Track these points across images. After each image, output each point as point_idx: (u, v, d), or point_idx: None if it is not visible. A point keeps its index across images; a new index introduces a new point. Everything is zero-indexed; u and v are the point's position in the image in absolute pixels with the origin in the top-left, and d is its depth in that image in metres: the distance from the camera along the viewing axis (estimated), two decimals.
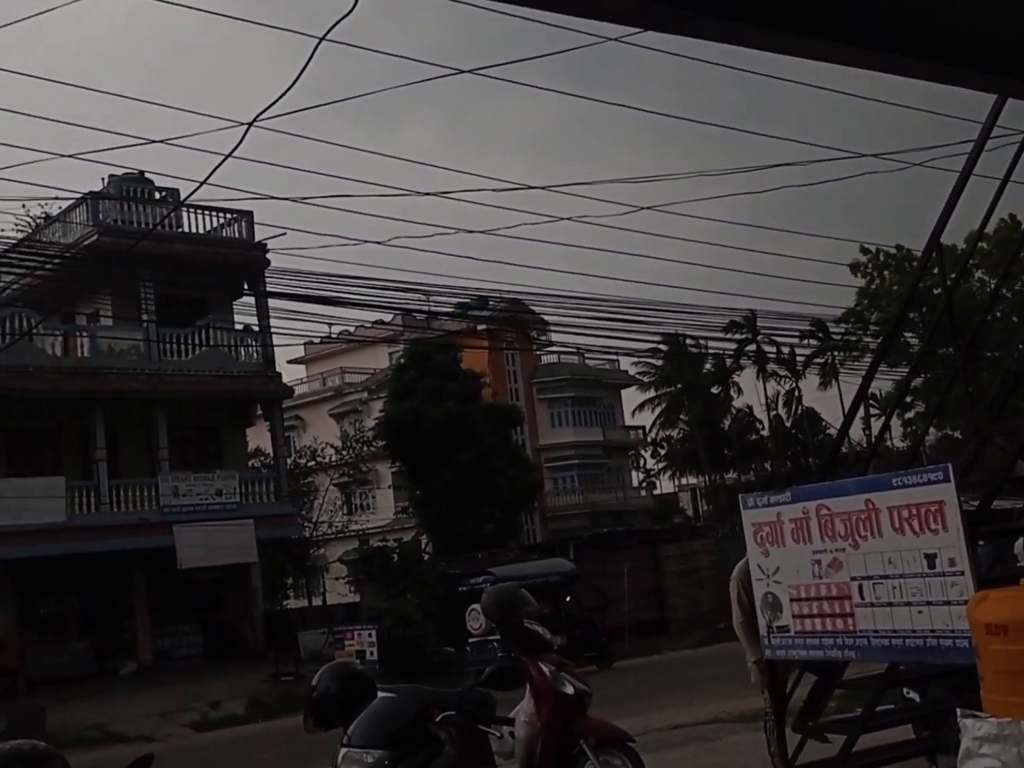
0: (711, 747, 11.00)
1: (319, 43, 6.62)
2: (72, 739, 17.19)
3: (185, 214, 29.16)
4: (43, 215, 34.46)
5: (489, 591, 8.42)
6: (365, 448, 38.71)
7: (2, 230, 32.24)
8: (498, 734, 6.52)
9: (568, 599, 24.32)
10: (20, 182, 34.93)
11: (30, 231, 33.19)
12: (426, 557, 32.11)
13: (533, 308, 30.67)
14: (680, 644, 26.26)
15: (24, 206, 35.55)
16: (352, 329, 41.02)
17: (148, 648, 27.64)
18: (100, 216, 28.34)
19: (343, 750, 5.81)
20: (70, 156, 13.13)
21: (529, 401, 49.76)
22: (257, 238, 29.84)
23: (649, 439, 61.51)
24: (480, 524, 33.00)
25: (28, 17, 12.64)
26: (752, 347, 50.57)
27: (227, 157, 11.27)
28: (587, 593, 25.81)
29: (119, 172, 27.65)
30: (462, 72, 10.01)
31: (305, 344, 50.34)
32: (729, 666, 18.61)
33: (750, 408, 59.14)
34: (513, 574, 24.17)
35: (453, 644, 23.94)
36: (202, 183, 12.47)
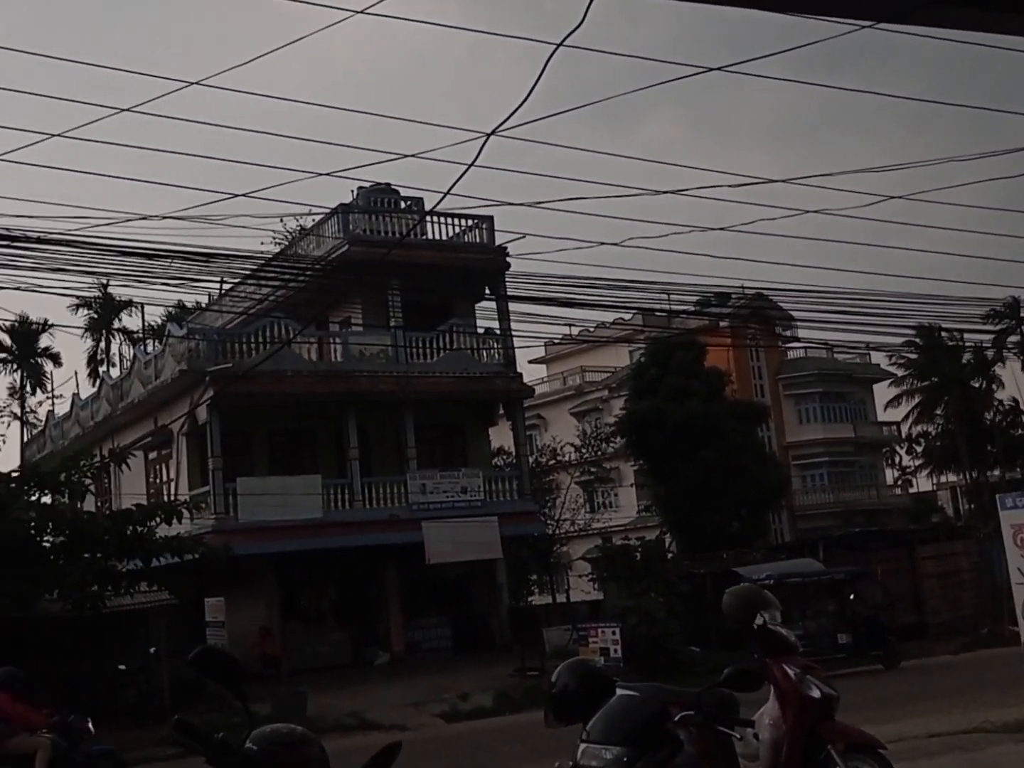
0: (971, 758, 10.39)
1: (555, 50, 6.66)
2: (331, 725, 18.00)
3: (429, 222, 30.09)
4: (298, 228, 36.37)
5: (731, 592, 8.24)
6: (606, 446, 38.78)
7: (262, 243, 34.10)
8: (739, 736, 6.37)
9: (852, 597, 23.64)
10: (277, 200, 36.74)
11: (286, 244, 35.07)
12: (670, 556, 31.87)
13: (778, 303, 29.94)
14: (939, 649, 25.00)
15: (281, 221, 37.51)
16: (592, 328, 41.23)
17: (400, 640, 28.70)
18: (350, 227, 29.60)
19: (582, 745, 5.83)
20: (324, 174, 13.77)
21: (775, 397, 48.63)
22: (497, 243, 30.50)
23: (904, 435, 58.87)
24: (725, 523, 32.49)
25: (283, 46, 13.34)
26: (1015, 337, 47.62)
27: (469, 167, 11.54)
28: (872, 591, 25.05)
29: (367, 185, 28.90)
30: (709, 70, 9.85)
31: (545, 344, 51.05)
32: (992, 673, 17.60)
33: (1015, 402, 55.64)
34: (797, 571, 23.84)
35: (699, 644, 23.66)
36: (446, 193, 12.83)
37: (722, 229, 18.97)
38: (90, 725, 13.83)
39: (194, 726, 4.30)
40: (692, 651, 23.31)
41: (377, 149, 20.29)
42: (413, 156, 16.64)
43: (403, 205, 31.02)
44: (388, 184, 29.20)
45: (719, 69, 9.82)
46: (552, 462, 38.54)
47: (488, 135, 11.36)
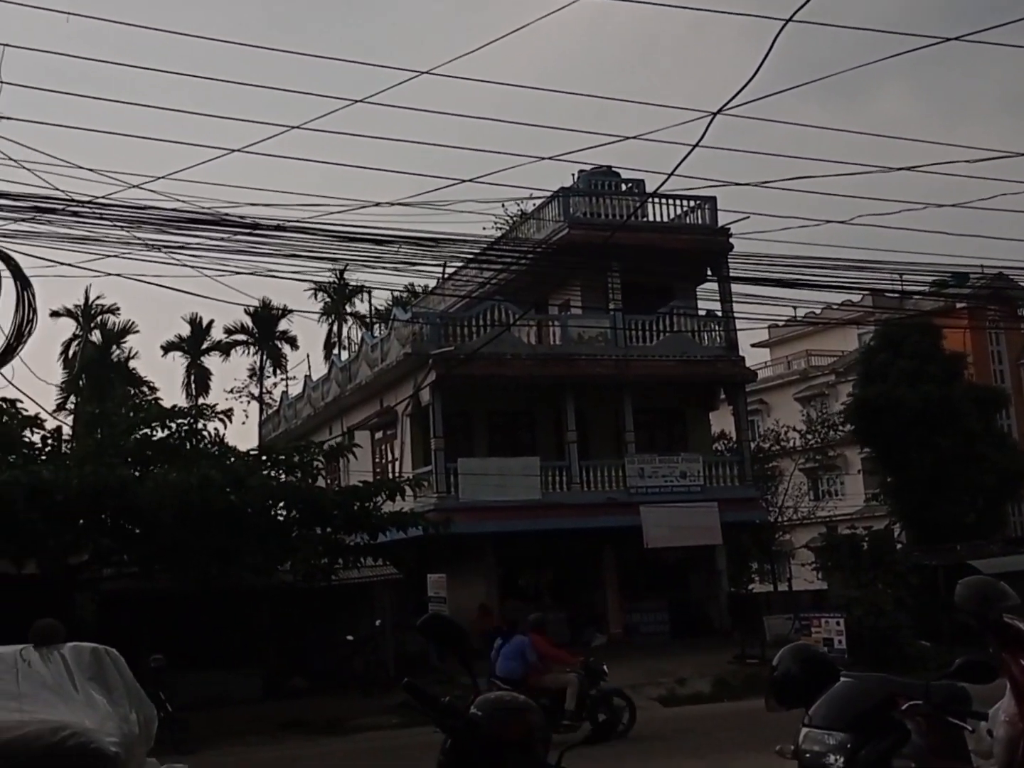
0: None
1: (784, 26, 6.48)
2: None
3: (650, 203, 29.90)
4: (519, 213, 36.86)
5: (964, 583, 7.80)
6: (832, 432, 37.65)
7: (484, 228, 34.79)
8: (971, 728, 6.06)
9: None
10: (500, 185, 37.28)
11: (508, 229, 35.60)
12: (898, 547, 30.67)
13: (1020, 283, 28.36)
14: None
15: (503, 206, 38.15)
16: (818, 311, 40.03)
17: (618, 622, 28.74)
18: (570, 211, 29.73)
19: (804, 730, 5.71)
20: (546, 158, 13.90)
21: (1016, 383, 46.07)
22: (720, 223, 30.03)
23: None
24: (960, 513, 30.95)
25: (507, 34, 13.52)
26: None
27: (694, 147, 11.40)
28: None
29: (588, 168, 28.97)
30: (945, 40, 9.39)
31: (769, 327, 49.85)
32: None
33: None
34: None
35: (930, 639, 22.70)
36: (671, 174, 12.71)
37: (959, 206, 18.08)
38: (604, 667, 15.45)
39: (422, 689, 4.42)
40: (922, 645, 22.38)
41: (599, 132, 20.42)
42: (635, 138, 16.55)
43: (624, 187, 30.94)
44: (609, 167, 29.15)
45: (957, 39, 9.34)
46: (775, 448, 37.73)
47: (714, 115, 11.18)
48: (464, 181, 13.96)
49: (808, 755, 5.66)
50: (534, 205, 31.90)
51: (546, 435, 30.06)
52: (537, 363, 28.28)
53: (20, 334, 12.06)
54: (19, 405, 20.01)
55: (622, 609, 29.12)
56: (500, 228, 37.11)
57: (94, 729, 5.15)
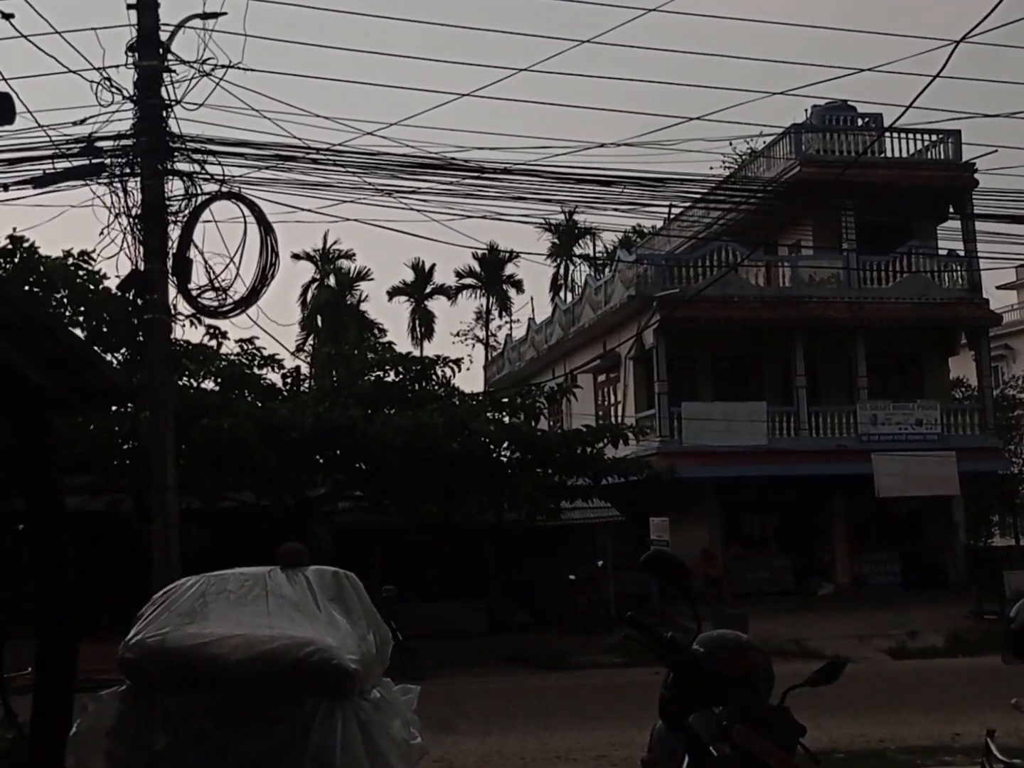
0: None
1: None
2: (771, 649, 17.95)
3: (887, 138, 28.59)
4: (748, 151, 35.91)
5: None
6: None
7: (711, 168, 34.07)
8: None
9: None
10: (729, 122, 36.42)
11: (736, 167, 34.76)
12: None
13: None
14: None
15: (731, 144, 37.22)
16: None
17: (846, 572, 28.05)
18: (802, 148, 28.76)
19: None
20: (777, 93, 13.49)
21: None
22: (964, 158, 28.44)
23: None
24: None
25: None
26: None
27: (934, 78, 10.78)
28: None
29: (822, 103, 27.91)
30: None
31: (1017, 267, 46.91)
32: None
33: None
34: None
35: None
36: (908, 107, 12.11)
37: None
38: None
39: (646, 624, 4.45)
40: None
41: (833, 65, 19.51)
42: (871, 70, 15.84)
43: (860, 122, 29.68)
44: (844, 101, 28.01)
45: None
46: (1022, 396, 35.70)
47: (956, 43, 10.55)
48: (692, 119, 13.73)
49: None
50: (764, 143, 31.03)
51: (773, 379, 29.44)
52: (765, 306, 27.66)
53: (264, 277, 12.67)
54: (258, 344, 21.06)
55: (850, 559, 28.38)
56: (728, 167, 36.26)
57: (336, 646, 5.45)
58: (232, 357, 21.06)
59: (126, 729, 5.60)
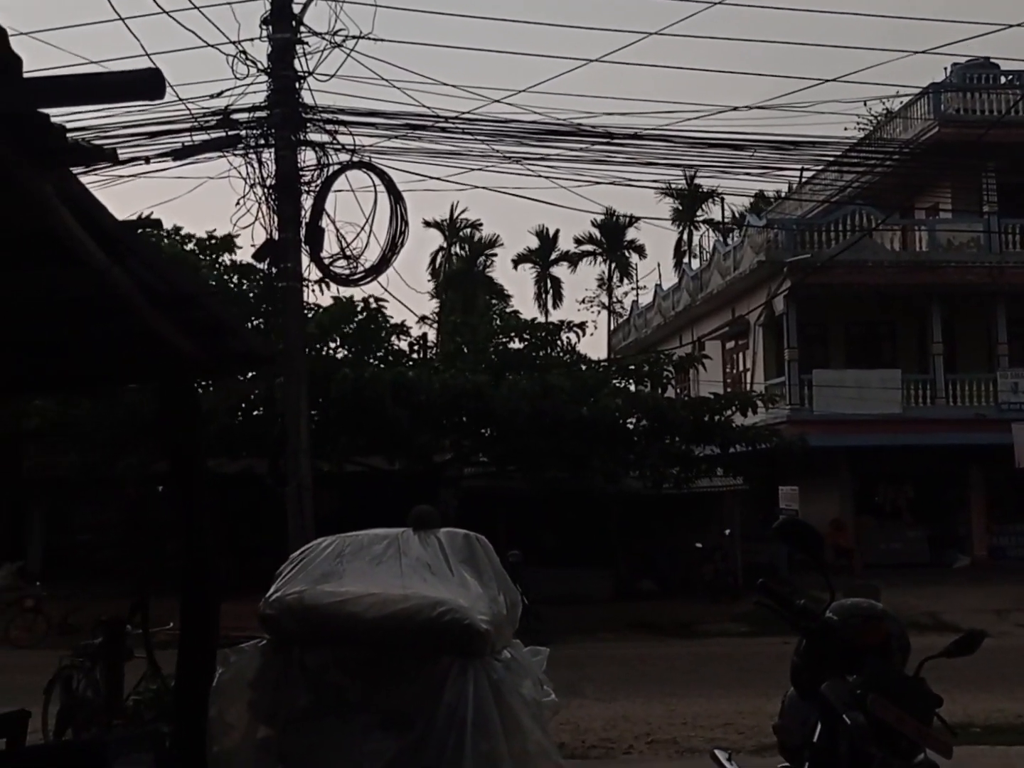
0: None
1: None
2: (905, 621, 17.66)
3: None
4: (884, 112, 34.89)
5: None
6: None
7: (845, 129, 33.21)
8: None
9: None
10: (865, 83, 35.47)
11: (871, 129, 33.80)
12: None
13: None
14: None
15: (866, 104, 36.18)
16: None
17: (983, 544, 27.29)
18: (942, 107, 27.80)
19: None
20: (917, 52, 13.05)
21: None
22: None
23: None
24: None
25: None
26: None
27: None
28: None
29: (963, 61, 26.94)
30: None
31: None
32: None
33: None
34: None
35: None
36: None
37: None
38: None
39: (777, 591, 4.45)
40: None
41: (976, 21, 18.79)
42: (1019, 25, 15.20)
43: (1002, 80, 28.53)
44: (987, 59, 27.04)
45: None
46: None
47: None
48: (827, 81, 13.41)
49: None
50: (901, 103, 30.09)
51: (908, 347, 28.74)
52: (901, 271, 26.93)
53: (394, 245, 12.86)
54: (384, 311, 21.30)
55: (988, 531, 27.58)
56: (863, 128, 35.28)
57: (467, 607, 5.55)
58: (360, 319, 21.27)
59: (267, 681, 5.81)
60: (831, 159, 21.68)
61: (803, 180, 28.05)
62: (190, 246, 20.92)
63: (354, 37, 12.85)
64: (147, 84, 3.13)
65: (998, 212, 27.19)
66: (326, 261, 13.01)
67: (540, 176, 14.42)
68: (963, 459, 26.95)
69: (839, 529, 25.39)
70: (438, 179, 16.92)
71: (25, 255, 4.48)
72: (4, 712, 6.60)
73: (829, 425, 25.66)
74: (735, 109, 17.42)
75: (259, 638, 6.13)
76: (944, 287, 26.94)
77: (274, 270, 13.59)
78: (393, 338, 21.89)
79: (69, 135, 3.50)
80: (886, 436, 25.76)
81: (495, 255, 56.91)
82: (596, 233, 55.10)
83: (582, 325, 22.65)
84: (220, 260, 21.09)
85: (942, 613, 19.25)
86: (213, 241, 20.81)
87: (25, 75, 3.06)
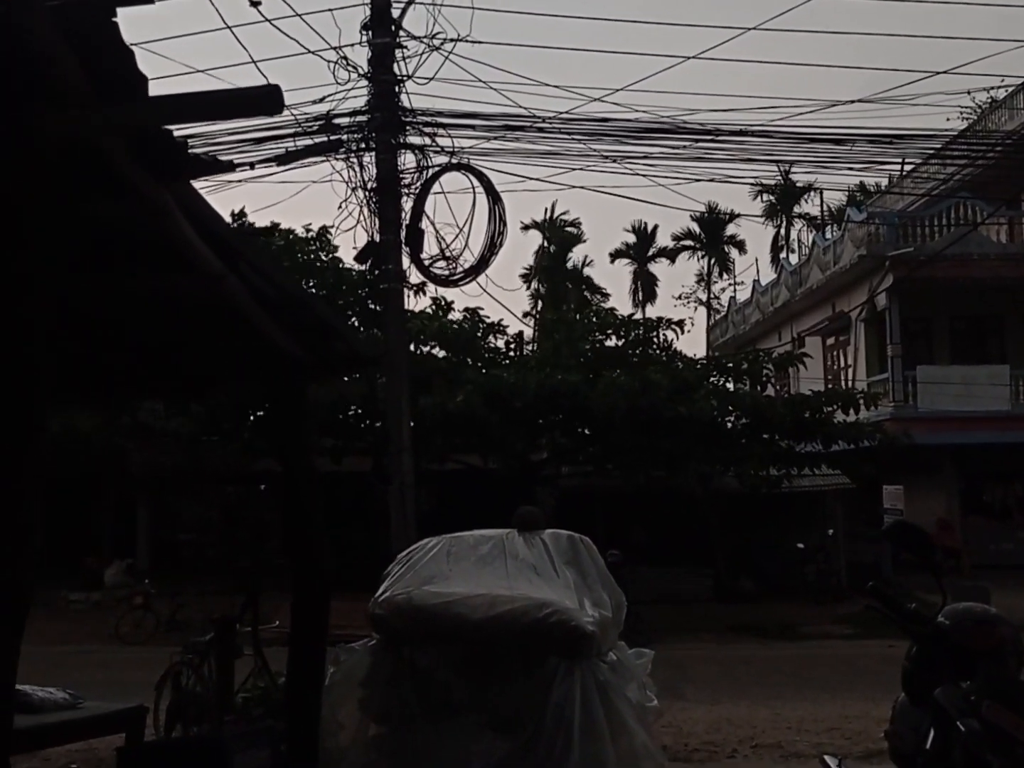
0: None
1: None
2: (1017, 624, 17.22)
3: None
4: (989, 101, 33.96)
5: None
6: None
7: (948, 120, 32.46)
8: None
9: None
10: (971, 74, 34.61)
11: (975, 119, 32.96)
12: None
13: None
14: None
15: (969, 94, 35.27)
16: None
17: None
18: None
19: None
20: (1018, 42, 12.73)
21: None
22: None
23: None
24: None
25: None
26: None
27: None
28: None
29: None
30: None
31: None
32: None
33: None
34: None
35: None
36: None
37: None
38: None
39: (889, 594, 4.39)
40: None
41: None
42: None
43: None
44: None
45: None
46: None
47: None
48: (934, 74, 13.11)
49: None
50: (1006, 92, 29.28)
51: (1017, 342, 28.00)
52: (1008, 264, 26.24)
53: (492, 246, 12.94)
54: (481, 313, 21.54)
55: None
56: (966, 119, 34.41)
57: (574, 608, 5.58)
58: (458, 324, 21.58)
59: (377, 679, 5.91)
60: (933, 151, 21.23)
61: (904, 173, 27.48)
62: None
63: (452, 40, 12.97)
64: (268, 100, 3.22)
65: None
66: (426, 262, 13.15)
67: (639, 174, 14.35)
68: None
69: (946, 529, 24.82)
70: (537, 179, 16.99)
71: (144, 263, 4.64)
72: (122, 708, 6.81)
73: (934, 423, 25.10)
74: (835, 104, 17.18)
75: (368, 637, 6.23)
76: None
77: (376, 272, 13.76)
78: (490, 337, 22.05)
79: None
80: (994, 433, 25.13)
81: (585, 252, 56.99)
82: (695, 228, 54.74)
83: (680, 323, 22.50)
84: (326, 255, 21.34)
85: None
86: (311, 234, 21.10)
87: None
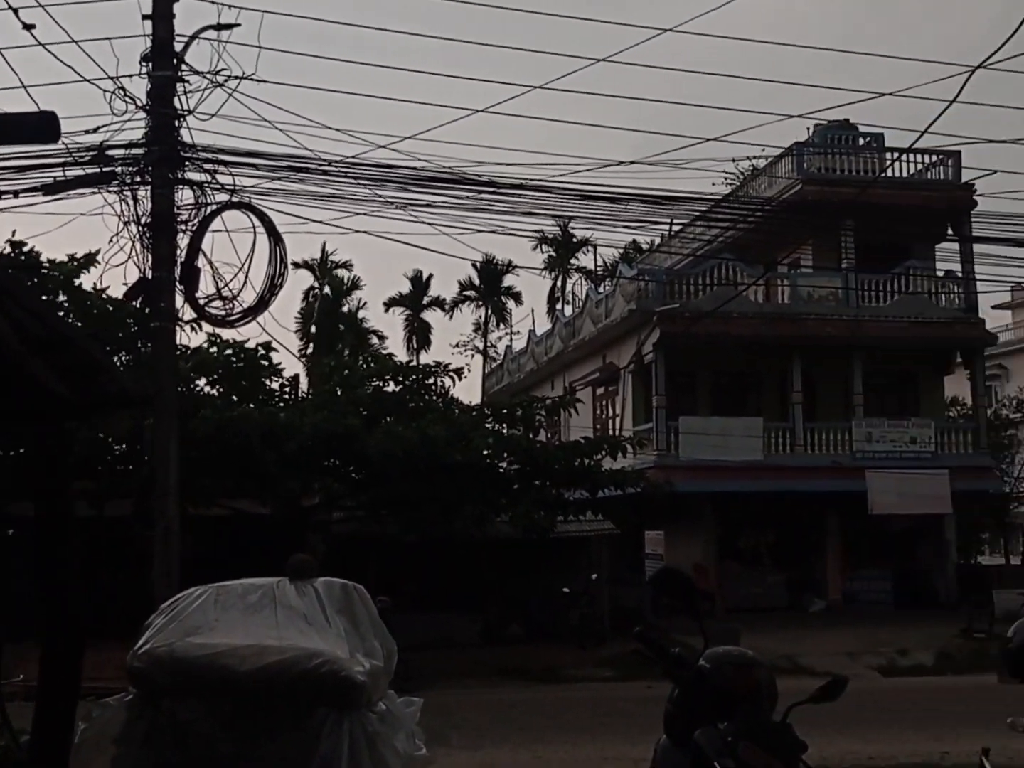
0: None
1: None
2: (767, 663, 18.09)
3: (888, 159, 28.78)
4: (750, 168, 36.10)
5: None
6: None
7: (712, 184, 34.20)
8: None
9: None
10: (736, 143, 36.64)
11: (737, 185, 34.93)
12: None
13: None
14: None
15: (734, 161, 37.48)
16: None
17: (838, 588, 28.14)
18: (804, 166, 28.91)
19: None
20: (792, 116, 13.63)
21: None
22: (964, 179, 28.61)
23: None
24: None
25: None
26: None
27: (950, 104, 10.92)
28: None
29: (824, 122, 28.08)
30: None
31: (1012, 288, 47.12)
32: None
33: None
34: None
35: None
36: (923, 132, 12.25)
37: None
38: None
39: (654, 638, 4.55)
40: None
41: (842, 88, 19.74)
42: (891, 95, 16.00)
43: (861, 142, 29.85)
44: (846, 120, 28.26)
45: None
46: (1016, 415, 35.90)
47: (974, 69, 10.70)
48: (706, 140, 13.84)
49: None
50: (766, 160, 31.20)
51: (770, 396, 29.58)
52: (764, 322, 27.76)
53: (272, 287, 12.77)
54: (270, 353, 21.00)
55: (843, 575, 28.47)
56: (729, 184, 36.46)
57: (344, 658, 5.53)
58: (224, 358, 20.82)
59: (133, 736, 5.67)
60: (699, 213, 22.36)
61: (672, 233, 28.78)
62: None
63: (237, 77, 12.77)
64: (43, 128, 3.10)
65: (856, 268, 28.31)
66: (201, 301, 12.82)
67: (424, 222, 14.51)
68: (821, 505, 27.83)
69: (701, 573, 25.84)
70: (320, 222, 16.97)
71: None
72: None
73: (694, 471, 26.17)
74: (614, 164, 17.93)
75: (124, 692, 5.96)
76: (804, 339, 27.85)
77: (147, 309, 13.31)
78: (265, 380, 21.56)
79: None
80: (748, 482, 26.42)
81: (359, 297, 56.77)
82: (475, 279, 55.53)
83: (458, 370, 22.68)
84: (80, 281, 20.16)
85: (799, 656, 19.76)
86: (76, 263, 19.95)
87: None
